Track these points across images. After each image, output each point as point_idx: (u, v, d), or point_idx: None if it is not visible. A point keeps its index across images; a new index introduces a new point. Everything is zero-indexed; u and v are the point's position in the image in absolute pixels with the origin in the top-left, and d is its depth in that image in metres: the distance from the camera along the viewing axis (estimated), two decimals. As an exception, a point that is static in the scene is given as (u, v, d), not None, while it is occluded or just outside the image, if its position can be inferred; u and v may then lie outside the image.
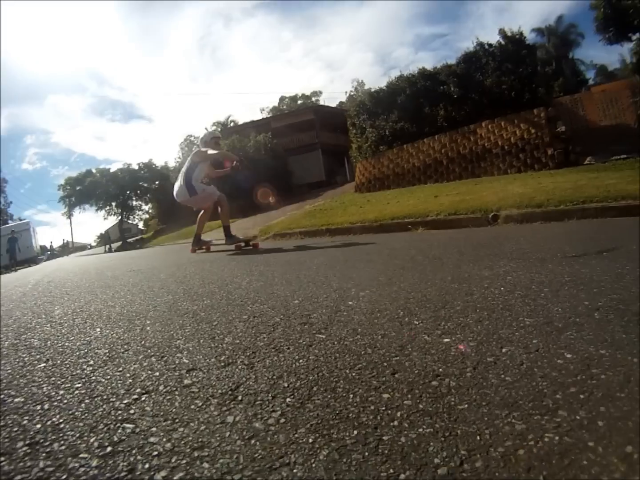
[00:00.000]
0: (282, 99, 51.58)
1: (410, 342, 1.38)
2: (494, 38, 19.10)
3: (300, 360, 1.29)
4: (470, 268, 2.59)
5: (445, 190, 9.33)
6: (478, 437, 0.84)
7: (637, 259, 2.40)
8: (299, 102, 50.13)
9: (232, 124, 41.92)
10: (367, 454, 0.80)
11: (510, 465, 0.75)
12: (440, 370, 1.15)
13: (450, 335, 1.40)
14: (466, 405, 0.96)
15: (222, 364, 1.32)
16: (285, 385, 1.12)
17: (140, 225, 49.48)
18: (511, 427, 0.86)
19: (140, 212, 42.64)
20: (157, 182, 38.26)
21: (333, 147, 25.80)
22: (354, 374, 1.16)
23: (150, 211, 43.77)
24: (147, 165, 39.00)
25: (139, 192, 39.10)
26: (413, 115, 14.37)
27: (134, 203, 40.48)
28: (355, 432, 0.88)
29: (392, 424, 0.90)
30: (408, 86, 14.82)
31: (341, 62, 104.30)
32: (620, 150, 9.87)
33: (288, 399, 1.04)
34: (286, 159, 23.47)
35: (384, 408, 0.97)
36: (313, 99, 51.53)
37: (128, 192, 38.34)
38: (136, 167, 38.81)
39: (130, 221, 45.23)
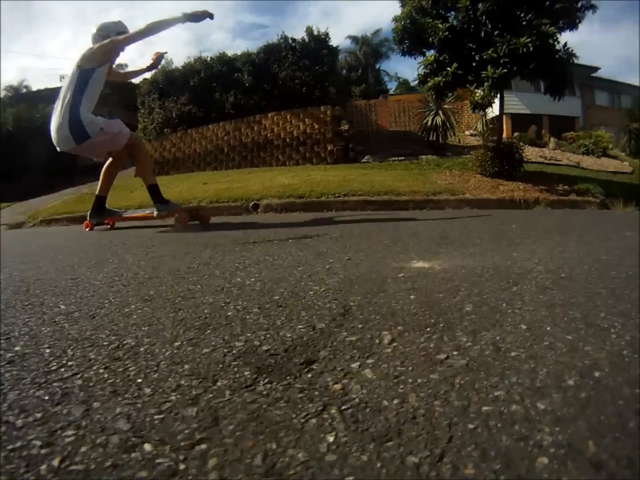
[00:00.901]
0: (83, 68, 44.55)
1: None
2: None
3: None
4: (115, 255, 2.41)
5: (218, 178, 8.87)
6: None
7: (316, 244, 2.40)
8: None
9: (25, 90, 34.40)
10: None
11: None
12: None
13: None
14: None
15: None
16: None
17: None
18: None
19: None
20: None
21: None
22: None
23: None
24: None
25: None
26: (203, 99, 13.41)
27: None
28: None
29: None
30: (203, 69, 13.75)
31: (156, 36, 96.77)
32: (400, 152, 10.45)
33: None
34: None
35: None
36: (118, 72, 45.86)
37: None
38: None
39: None
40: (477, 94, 8.05)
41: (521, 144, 8.73)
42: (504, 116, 18.32)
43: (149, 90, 14.98)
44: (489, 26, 6.42)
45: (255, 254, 2.13)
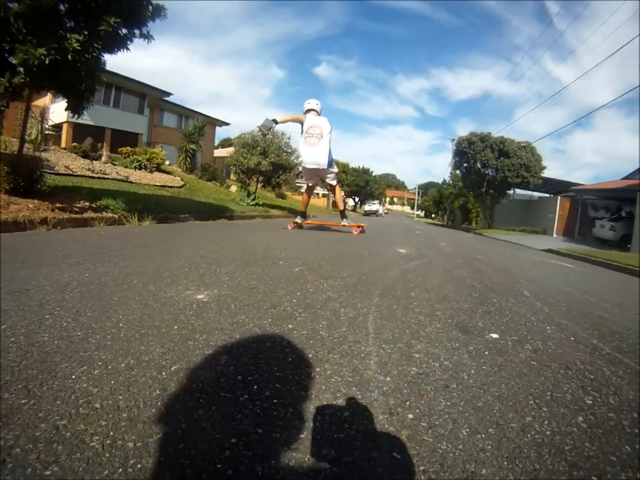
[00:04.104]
0: None
1: None
2: None
3: None
4: None
5: None
6: None
7: None
8: None
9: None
10: None
11: None
12: None
13: None
14: None
15: None
16: None
17: None
18: None
19: None
20: None
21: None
22: None
23: None
24: None
25: None
26: None
27: None
28: None
29: None
30: None
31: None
32: None
33: None
34: None
35: None
36: None
37: None
38: None
39: None
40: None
41: (39, 155, 8.63)
42: (65, 125, 18.67)
43: None
44: (23, 30, 5.46)
45: None
